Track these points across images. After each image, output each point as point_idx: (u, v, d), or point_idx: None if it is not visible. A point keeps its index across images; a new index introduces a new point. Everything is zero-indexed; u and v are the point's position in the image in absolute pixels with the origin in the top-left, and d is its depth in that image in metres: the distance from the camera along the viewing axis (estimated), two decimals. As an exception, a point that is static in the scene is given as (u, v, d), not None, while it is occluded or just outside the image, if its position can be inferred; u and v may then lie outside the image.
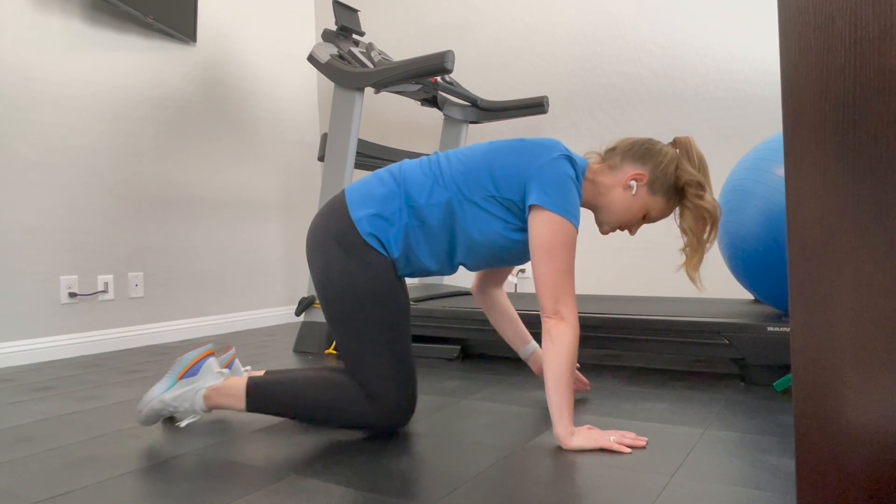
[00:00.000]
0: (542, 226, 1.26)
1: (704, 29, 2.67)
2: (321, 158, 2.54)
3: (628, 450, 1.21)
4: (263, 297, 3.39)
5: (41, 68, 2.49)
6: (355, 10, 2.67)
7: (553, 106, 3.01)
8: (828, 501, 0.68)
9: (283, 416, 1.37)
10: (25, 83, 2.44)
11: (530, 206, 1.28)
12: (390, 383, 1.31)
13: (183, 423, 1.38)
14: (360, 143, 2.58)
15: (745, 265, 1.76)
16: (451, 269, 1.47)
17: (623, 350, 2.02)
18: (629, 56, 2.84)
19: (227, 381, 1.37)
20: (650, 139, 1.37)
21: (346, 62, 2.42)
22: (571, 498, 1.00)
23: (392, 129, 3.52)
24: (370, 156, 2.64)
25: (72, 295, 2.55)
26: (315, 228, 1.42)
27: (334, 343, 2.40)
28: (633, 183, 1.34)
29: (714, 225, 1.32)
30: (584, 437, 1.23)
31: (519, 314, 2.08)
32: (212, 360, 1.39)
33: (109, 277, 2.69)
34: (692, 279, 1.34)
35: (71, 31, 2.59)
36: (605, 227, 1.42)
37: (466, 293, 2.70)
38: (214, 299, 3.13)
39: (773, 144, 1.74)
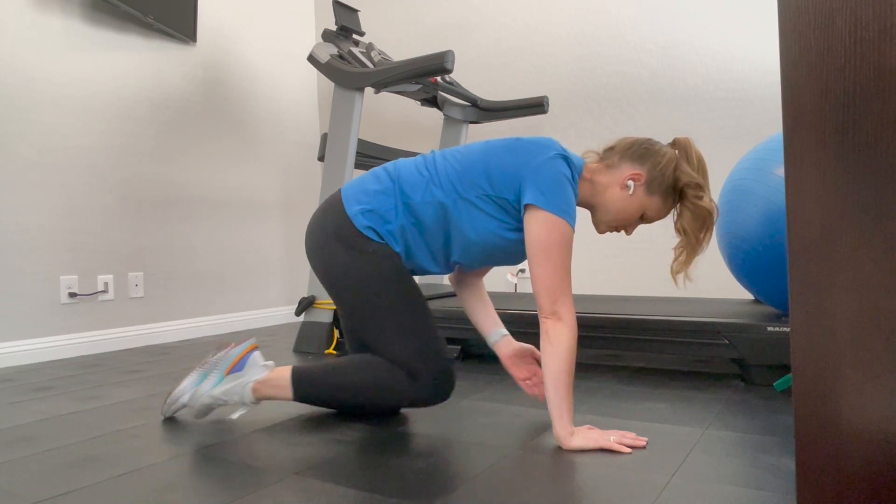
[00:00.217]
0: (537, 225, 1.25)
1: (704, 29, 2.67)
2: (321, 158, 2.54)
3: (628, 450, 1.21)
4: (263, 297, 3.39)
5: (41, 68, 2.49)
6: (355, 10, 2.67)
7: (553, 106, 3.01)
8: (828, 501, 0.68)
9: (330, 402, 1.40)
10: (25, 83, 2.44)
11: (526, 206, 1.28)
12: (424, 359, 1.34)
13: (235, 416, 1.42)
14: (360, 143, 2.58)
15: (745, 265, 1.76)
16: (448, 269, 1.47)
17: (623, 350, 2.02)
18: (629, 56, 2.84)
19: (272, 373, 1.41)
20: (649, 139, 1.37)
21: (346, 62, 2.42)
22: (571, 498, 1.00)
23: (392, 129, 3.52)
24: (370, 156, 2.64)
25: (72, 295, 2.55)
26: (313, 227, 1.42)
27: (335, 343, 2.40)
28: (631, 183, 1.33)
29: (710, 227, 1.31)
30: (583, 437, 1.23)
31: (518, 314, 2.08)
32: (256, 353, 1.43)
33: (109, 277, 2.69)
34: (675, 277, 1.32)
35: (71, 31, 2.59)
36: (602, 226, 1.41)
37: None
38: (214, 299, 3.13)
39: (773, 144, 1.74)
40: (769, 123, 2.55)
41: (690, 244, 1.32)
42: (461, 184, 1.33)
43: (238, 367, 1.41)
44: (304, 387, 1.39)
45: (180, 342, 2.86)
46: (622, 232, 1.43)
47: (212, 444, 1.33)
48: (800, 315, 0.68)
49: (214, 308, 3.13)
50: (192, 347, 2.70)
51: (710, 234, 1.33)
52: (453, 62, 2.16)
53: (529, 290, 3.07)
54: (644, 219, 1.38)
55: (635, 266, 2.84)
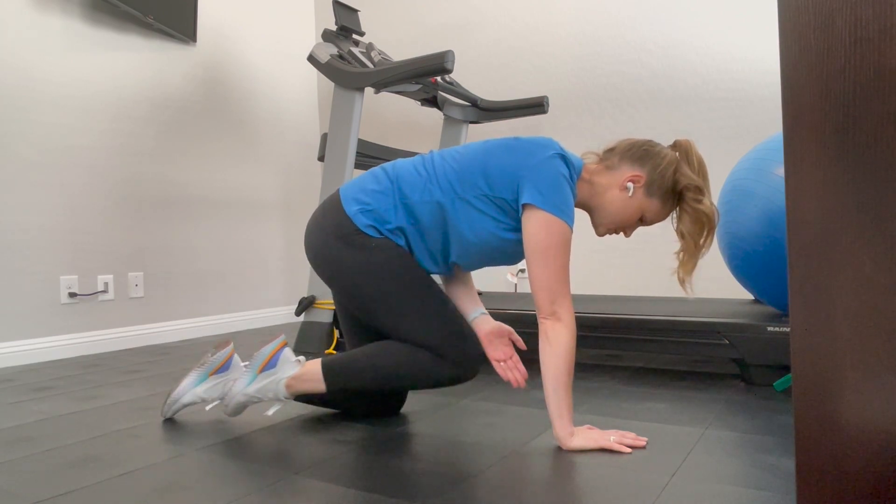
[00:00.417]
0: (536, 226, 1.25)
1: (704, 29, 2.67)
2: (321, 158, 2.54)
3: (628, 450, 1.21)
4: (263, 297, 3.39)
5: (41, 68, 2.49)
6: (355, 10, 2.67)
7: (553, 106, 3.01)
8: (828, 501, 0.68)
9: (362, 388, 1.40)
10: (25, 83, 2.44)
11: (524, 206, 1.27)
12: (450, 339, 1.34)
13: (270, 412, 1.43)
14: (360, 143, 2.58)
15: (745, 265, 1.76)
16: (447, 270, 1.47)
17: (623, 350, 2.02)
18: (629, 56, 2.84)
19: (304, 368, 1.41)
20: (650, 141, 1.36)
21: (346, 62, 2.42)
22: (571, 498, 1.00)
23: (392, 129, 3.52)
24: (370, 156, 2.64)
25: (72, 295, 2.55)
26: (312, 229, 1.42)
27: (335, 342, 2.40)
28: (630, 184, 1.32)
29: (711, 231, 1.30)
30: (584, 437, 1.23)
31: (518, 315, 2.08)
32: (287, 350, 1.44)
33: (109, 277, 2.69)
34: (683, 284, 1.32)
35: (71, 31, 2.59)
36: (601, 228, 1.40)
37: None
38: (214, 299, 3.13)
39: (773, 144, 1.74)
40: (769, 123, 2.55)
41: (690, 248, 1.31)
42: (459, 184, 1.33)
43: (270, 364, 1.42)
44: (335, 377, 1.39)
45: (180, 342, 2.86)
46: (621, 233, 1.42)
47: (212, 444, 1.33)
48: (800, 315, 0.68)
49: (214, 308, 3.13)
50: (192, 347, 2.70)
51: (712, 238, 1.31)
52: (453, 62, 2.16)
53: (529, 290, 3.07)
54: (643, 221, 1.37)
55: (635, 266, 2.84)
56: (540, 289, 1.25)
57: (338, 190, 1.44)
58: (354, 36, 2.65)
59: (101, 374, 2.16)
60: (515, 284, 3.05)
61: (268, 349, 1.42)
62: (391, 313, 1.35)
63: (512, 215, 1.32)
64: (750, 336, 1.74)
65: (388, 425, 1.44)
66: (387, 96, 3.50)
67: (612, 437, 1.23)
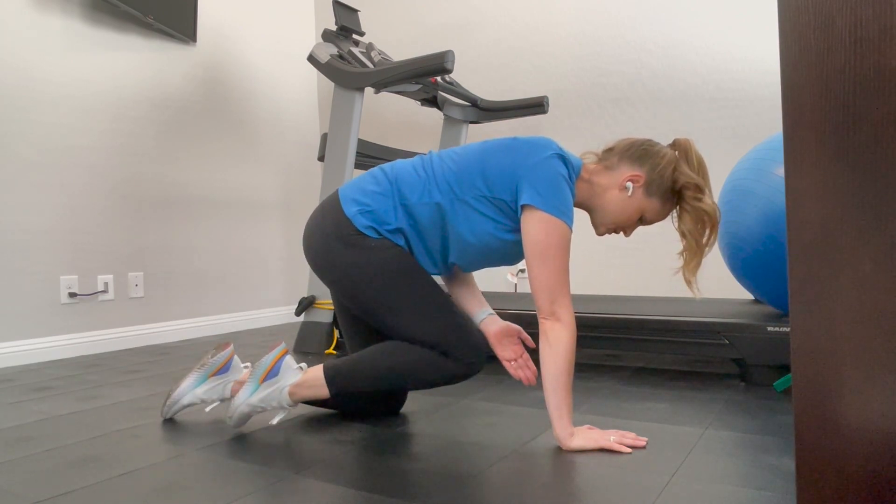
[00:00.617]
0: (535, 226, 1.25)
1: (704, 29, 2.67)
2: (321, 158, 2.54)
3: (628, 450, 1.21)
4: (263, 297, 3.39)
5: (41, 68, 2.49)
6: (355, 10, 2.67)
7: (553, 106, 3.01)
8: (828, 501, 0.68)
9: (366, 390, 1.40)
10: (25, 83, 2.44)
11: (523, 206, 1.27)
12: (454, 334, 1.34)
13: (274, 421, 1.42)
14: (360, 143, 2.58)
15: (745, 265, 1.76)
16: (446, 271, 1.47)
17: (623, 350, 2.02)
18: (629, 56, 2.84)
19: (306, 374, 1.41)
20: (649, 140, 1.35)
21: (346, 62, 2.42)
22: (571, 498, 1.00)
23: (392, 129, 3.52)
24: (370, 156, 2.64)
25: (72, 295, 2.55)
26: (312, 230, 1.42)
27: (335, 343, 2.40)
28: (630, 184, 1.31)
29: (714, 228, 1.30)
30: (583, 437, 1.23)
31: (518, 315, 2.08)
32: (289, 358, 1.43)
33: (109, 277, 2.69)
34: (689, 284, 1.32)
35: (71, 31, 2.59)
36: (601, 228, 1.40)
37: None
38: (214, 299, 3.13)
39: (773, 144, 1.74)
40: (769, 123, 2.55)
41: (692, 247, 1.30)
42: (458, 185, 1.33)
43: (272, 373, 1.41)
44: (338, 381, 1.39)
45: (180, 342, 2.86)
46: (621, 233, 1.42)
47: (211, 445, 1.33)
48: (800, 315, 0.68)
49: (214, 308, 3.13)
50: (192, 347, 2.70)
51: (714, 236, 1.30)
52: (453, 62, 2.16)
53: (529, 289, 3.07)
54: (643, 220, 1.37)
55: (635, 266, 2.84)
56: (540, 289, 1.25)
57: (337, 190, 1.43)
58: (354, 36, 2.65)
59: (101, 374, 2.16)
60: (515, 284, 3.05)
61: (269, 358, 1.41)
62: (392, 312, 1.35)
63: (511, 216, 1.32)
64: (750, 336, 1.74)
65: (388, 425, 1.44)
66: (387, 96, 3.50)
67: (612, 437, 1.23)
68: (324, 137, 2.52)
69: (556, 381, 1.23)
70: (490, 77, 3.20)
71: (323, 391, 1.39)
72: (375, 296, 1.35)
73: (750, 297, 2.49)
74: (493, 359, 2.20)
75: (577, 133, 2.96)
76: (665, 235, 2.74)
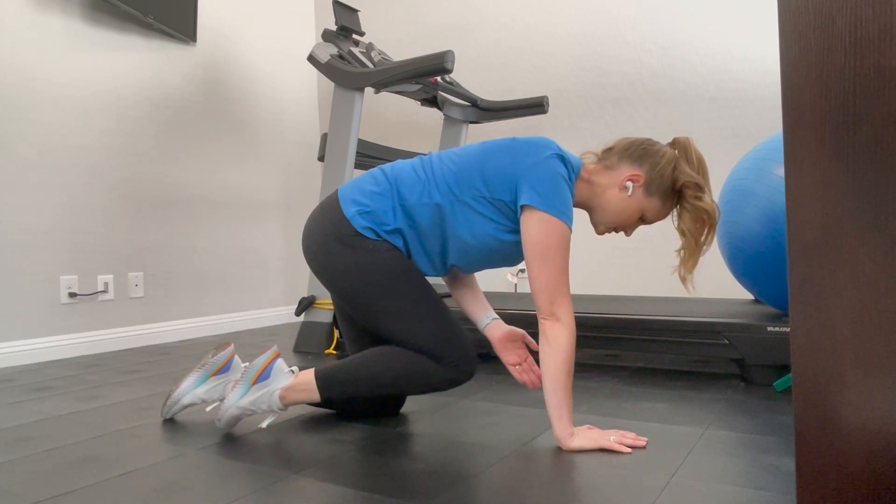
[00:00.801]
0: (534, 226, 1.25)
1: (704, 29, 2.67)
2: (321, 158, 2.54)
3: (628, 450, 1.21)
4: (263, 297, 3.39)
5: (41, 68, 2.49)
6: (355, 10, 2.67)
7: (553, 106, 3.01)
8: (828, 501, 0.68)
9: (358, 396, 1.40)
10: (25, 83, 2.44)
11: (522, 207, 1.27)
12: (446, 340, 1.34)
13: (264, 424, 1.41)
14: (360, 143, 2.58)
15: (745, 265, 1.76)
16: (445, 272, 1.47)
17: (623, 350, 2.02)
18: (629, 56, 2.84)
19: (297, 378, 1.41)
20: (648, 139, 1.35)
21: (346, 62, 2.42)
22: (571, 498, 1.00)
23: (392, 129, 3.52)
24: (370, 156, 2.64)
25: (72, 295, 2.55)
26: (311, 230, 1.42)
27: (334, 343, 2.40)
28: (629, 184, 1.31)
29: (712, 227, 1.30)
30: (583, 437, 1.23)
31: (518, 315, 2.08)
32: (280, 361, 1.43)
33: (109, 277, 2.69)
34: (684, 281, 1.32)
35: (71, 31, 2.59)
36: (601, 227, 1.40)
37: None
38: (214, 299, 3.13)
39: (773, 144, 1.74)
40: (769, 123, 2.55)
41: (691, 245, 1.30)
42: (457, 186, 1.33)
43: (263, 376, 1.41)
44: (329, 386, 1.39)
45: (180, 342, 2.86)
46: (622, 233, 1.41)
47: (211, 445, 1.33)
48: (800, 315, 0.68)
49: (214, 308, 3.13)
50: (192, 347, 2.70)
51: (713, 235, 1.30)
52: (453, 62, 2.16)
53: (529, 290, 3.07)
54: (644, 220, 1.36)
55: (635, 266, 2.84)
56: (539, 289, 1.25)
57: (336, 190, 1.43)
58: (354, 36, 2.65)
59: (101, 374, 2.16)
60: (515, 284, 3.05)
61: (260, 361, 1.41)
62: (386, 315, 1.35)
63: (510, 217, 1.32)
64: (750, 336, 1.74)
65: (388, 425, 1.44)
66: (387, 96, 3.50)
67: (612, 437, 1.23)
68: (324, 137, 2.52)
69: (556, 381, 1.23)
70: (490, 77, 3.20)
71: (314, 395, 1.39)
72: (370, 298, 1.35)
73: (750, 297, 2.49)
74: (494, 359, 2.20)
75: (577, 133, 2.96)
76: (665, 235, 2.74)
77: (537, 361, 1.87)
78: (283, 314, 3.50)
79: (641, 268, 2.82)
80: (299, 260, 3.62)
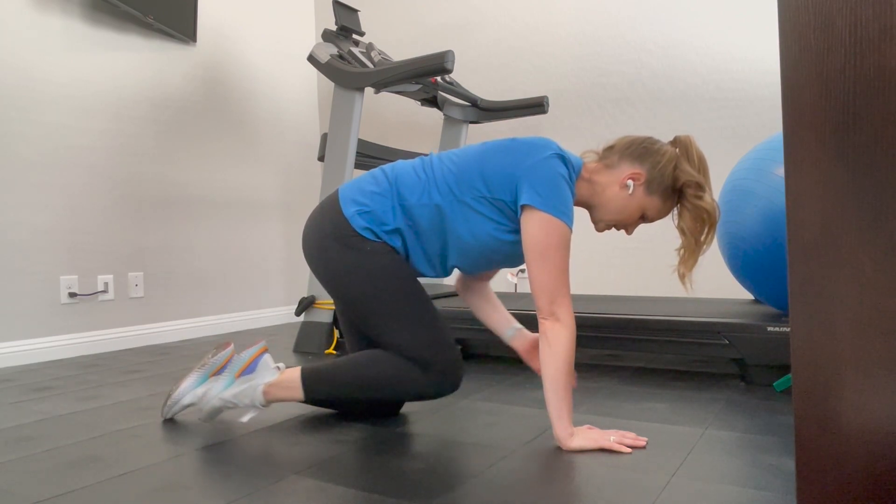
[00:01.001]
0: (535, 226, 1.25)
1: (704, 29, 2.67)
2: (321, 158, 2.54)
3: (628, 450, 1.21)
4: (263, 297, 3.39)
5: (41, 68, 2.49)
6: (355, 10, 2.67)
7: (553, 106, 3.01)
8: (828, 501, 0.68)
9: (341, 399, 1.40)
10: (25, 83, 2.44)
11: (523, 207, 1.27)
12: (434, 348, 1.35)
13: (245, 419, 1.41)
14: (360, 143, 2.57)
15: (745, 265, 1.76)
16: (445, 273, 1.47)
17: (623, 350, 2.02)
18: (629, 56, 2.84)
19: (282, 374, 1.40)
20: (649, 138, 1.35)
21: (346, 62, 2.42)
22: (571, 498, 1.00)
23: (392, 129, 3.52)
24: (370, 156, 2.64)
25: (72, 295, 2.55)
26: (310, 230, 1.42)
27: (335, 343, 2.40)
28: (630, 182, 1.31)
29: (712, 226, 1.30)
30: (583, 437, 1.23)
31: (519, 315, 2.07)
32: (267, 356, 1.43)
33: (109, 277, 2.69)
34: (683, 280, 1.32)
35: (71, 31, 2.59)
36: (601, 224, 1.39)
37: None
38: (214, 299, 3.13)
39: (773, 144, 1.74)
40: (769, 123, 2.55)
41: (690, 245, 1.30)
42: (458, 186, 1.33)
43: (249, 369, 1.41)
44: (314, 386, 1.39)
45: (180, 342, 2.86)
46: (622, 231, 1.42)
47: (212, 444, 1.33)
48: (800, 315, 0.68)
49: (214, 308, 3.13)
50: (192, 347, 2.70)
51: (713, 235, 1.30)
52: (453, 62, 2.16)
53: (529, 290, 3.07)
54: (644, 218, 1.36)
55: (635, 266, 2.84)
56: (539, 289, 1.25)
57: (337, 190, 1.44)
58: (354, 36, 2.65)
59: (101, 374, 2.16)
60: (515, 284, 3.05)
61: (247, 354, 1.41)
62: (378, 318, 1.36)
63: (511, 217, 1.32)
64: (750, 336, 1.74)
65: (388, 425, 1.44)
66: (387, 96, 3.50)
67: (612, 437, 1.23)
68: (324, 137, 2.51)
69: (556, 381, 1.23)
70: (490, 77, 3.20)
71: (297, 394, 1.39)
72: (364, 300, 1.35)
73: (750, 297, 2.49)
74: (493, 358, 2.20)
75: (577, 133, 2.96)
76: (665, 236, 2.74)
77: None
78: (283, 314, 3.50)
79: (641, 268, 2.82)
80: (299, 260, 3.62)
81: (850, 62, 0.65)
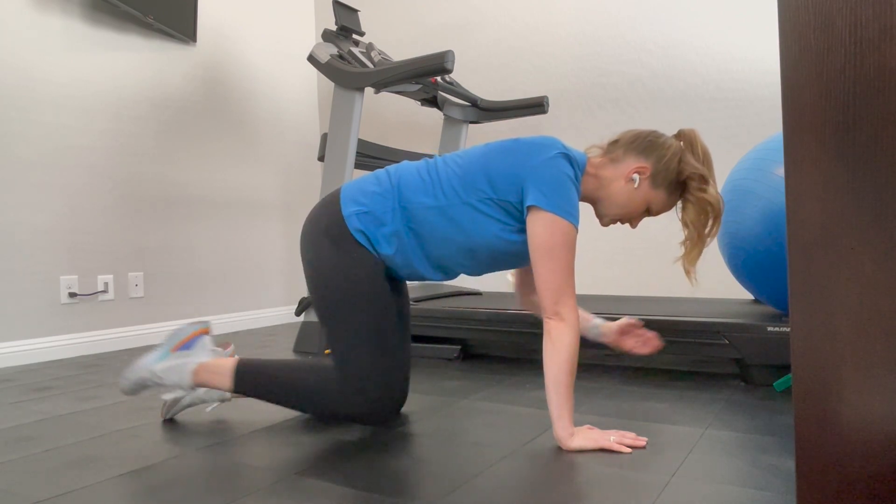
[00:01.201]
0: (540, 226, 1.25)
1: (704, 29, 2.67)
2: (321, 158, 2.54)
3: (628, 450, 1.21)
4: (263, 297, 3.39)
5: (41, 68, 2.49)
6: (355, 10, 2.67)
7: (553, 106, 3.01)
8: (828, 501, 0.68)
9: (266, 398, 1.38)
10: (25, 83, 2.44)
11: (528, 207, 1.27)
12: (374, 375, 1.33)
13: (167, 397, 1.37)
14: (360, 143, 2.57)
15: (745, 265, 1.76)
16: (449, 275, 1.46)
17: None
18: (629, 56, 2.84)
19: (217, 360, 1.38)
20: (654, 131, 1.35)
21: (346, 62, 2.42)
22: (571, 498, 1.00)
23: (392, 129, 3.52)
24: (370, 156, 2.64)
25: (72, 295, 2.55)
26: (309, 222, 1.43)
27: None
28: (636, 176, 1.31)
29: (717, 218, 1.30)
30: (583, 437, 1.23)
31: (518, 315, 2.08)
32: (207, 338, 1.40)
33: (109, 277, 2.69)
34: (688, 273, 1.32)
35: (71, 31, 2.59)
36: (606, 219, 1.40)
37: (467, 293, 2.70)
38: (214, 299, 3.13)
39: (773, 144, 1.74)
40: (769, 123, 2.55)
41: (694, 238, 1.31)
42: (463, 188, 1.32)
43: (187, 345, 1.37)
44: (244, 380, 1.36)
45: (180, 342, 2.86)
46: (622, 231, 1.42)
47: (211, 444, 1.33)
48: (800, 315, 0.68)
49: (214, 308, 3.13)
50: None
51: (717, 227, 1.31)
52: (453, 62, 2.16)
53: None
54: (649, 212, 1.37)
55: (636, 266, 2.84)
56: (545, 289, 1.25)
57: (340, 187, 1.43)
58: (354, 36, 2.65)
59: (101, 374, 2.16)
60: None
61: (188, 330, 1.37)
62: (339, 323, 1.34)
63: (517, 217, 1.32)
64: (750, 336, 1.74)
65: (388, 425, 1.44)
66: (387, 96, 3.50)
67: (612, 437, 1.23)
68: (324, 137, 2.52)
69: (557, 381, 1.23)
70: (490, 77, 3.20)
71: (225, 382, 1.37)
72: (329, 303, 1.35)
73: (750, 297, 2.49)
74: (493, 358, 2.20)
75: (577, 133, 2.96)
76: (665, 236, 2.74)
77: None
78: (283, 314, 3.50)
79: (642, 268, 2.82)
80: (299, 260, 3.62)
81: (850, 62, 0.65)
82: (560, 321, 1.24)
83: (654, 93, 2.78)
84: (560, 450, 1.23)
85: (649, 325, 1.88)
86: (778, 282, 1.70)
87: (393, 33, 3.50)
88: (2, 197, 2.36)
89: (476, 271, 1.44)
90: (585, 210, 2.45)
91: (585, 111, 2.95)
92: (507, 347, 2.36)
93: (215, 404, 1.39)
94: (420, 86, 2.57)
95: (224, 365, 1.37)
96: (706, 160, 1.32)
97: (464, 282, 3.29)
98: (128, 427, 1.49)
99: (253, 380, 1.37)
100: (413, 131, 3.46)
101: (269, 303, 3.42)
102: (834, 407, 0.67)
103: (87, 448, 1.33)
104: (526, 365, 2.10)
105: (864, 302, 0.65)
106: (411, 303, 2.39)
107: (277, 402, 1.39)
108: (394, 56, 3.49)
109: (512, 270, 2.90)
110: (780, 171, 1.64)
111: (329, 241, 1.36)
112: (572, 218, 1.25)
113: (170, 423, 1.51)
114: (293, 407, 1.39)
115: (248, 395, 1.41)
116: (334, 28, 2.81)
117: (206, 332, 1.40)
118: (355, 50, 2.48)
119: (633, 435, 1.26)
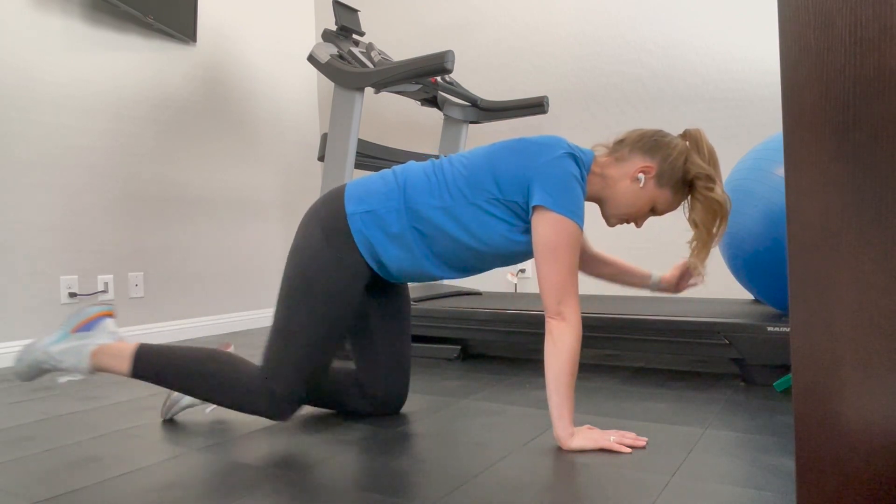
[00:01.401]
0: (545, 226, 1.25)
1: (704, 29, 2.67)
2: (321, 158, 2.54)
3: (628, 450, 1.21)
4: (263, 297, 3.39)
5: (41, 68, 2.49)
6: (355, 10, 2.67)
7: (553, 106, 3.01)
8: (828, 502, 0.68)
9: (168, 385, 1.34)
10: (25, 83, 2.44)
11: (534, 207, 1.27)
12: (290, 373, 1.31)
13: (63, 380, 1.34)
14: (360, 143, 2.57)
15: (745, 265, 1.76)
16: (457, 274, 1.46)
17: (623, 350, 2.02)
18: (629, 56, 2.84)
19: (118, 343, 1.34)
20: (660, 131, 1.35)
21: (346, 62, 2.42)
22: (571, 498, 1.00)
23: (392, 129, 3.52)
24: (370, 156, 2.64)
25: (72, 295, 2.55)
26: (310, 210, 1.42)
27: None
28: (641, 175, 1.31)
29: (724, 218, 1.30)
30: (583, 437, 1.23)
31: (518, 315, 2.08)
32: (110, 321, 1.35)
33: (109, 277, 2.69)
34: (695, 273, 1.35)
35: (71, 31, 2.59)
36: (612, 220, 1.40)
37: (467, 293, 2.70)
38: (214, 299, 3.13)
39: (773, 144, 1.74)
40: (769, 123, 2.55)
41: (702, 237, 1.31)
42: (469, 189, 1.32)
43: (87, 327, 1.33)
44: (144, 364, 1.32)
45: (180, 342, 2.86)
46: (624, 230, 1.42)
47: (212, 444, 1.33)
48: (800, 315, 0.68)
49: (214, 308, 3.13)
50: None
51: (725, 226, 1.31)
52: (453, 62, 2.16)
53: (529, 290, 3.07)
54: (655, 211, 1.37)
55: (637, 265, 2.83)
56: (547, 288, 1.25)
57: (345, 184, 1.43)
58: (354, 36, 2.65)
59: (101, 374, 2.15)
60: (515, 284, 3.05)
61: (89, 311, 1.33)
62: (291, 311, 1.33)
63: (523, 217, 1.31)
64: (750, 336, 1.74)
65: (388, 425, 1.44)
66: (387, 96, 3.50)
67: (612, 437, 1.23)
68: (324, 137, 2.52)
69: (558, 380, 1.23)
70: (490, 77, 3.20)
71: (125, 366, 1.33)
72: (292, 288, 1.33)
73: (750, 297, 2.49)
74: (493, 358, 2.20)
75: (577, 133, 2.96)
76: (666, 236, 2.74)
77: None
78: (283, 314, 3.49)
79: (643, 267, 2.82)
80: (299, 260, 3.62)
81: (850, 62, 0.65)
82: (562, 321, 1.24)
83: (654, 93, 2.78)
84: (560, 450, 1.24)
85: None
86: (778, 282, 1.69)
87: (393, 33, 3.50)
88: (2, 197, 2.36)
89: (482, 269, 1.44)
90: (588, 210, 2.44)
91: (585, 111, 2.95)
92: (507, 347, 2.36)
93: (71, 377, 1.34)
94: (420, 86, 2.57)
95: (124, 348, 1.32)
96: (712, 160, 1.32)
97: (464, 281, 3.29)
98: (128, 427, 1.49)
99: (154, 365, 1.32)
100: (413, 131, 3.46)
101: (269, 303, 3.42)
102: (834, 407, 0.67)
103: (87, 448, 1.33)
104: (526, 365, 2.10)
105: (864, 302, 0.65)
106: (411, 303, 2.39)
107: (180, 390, 1.34)
108: (394, 56, 3.49)
109: (513, 270, 2.89)
110: (780, 171, 1.64)
111: (322, 232, 1.35)
112: (577, 218, 1.25)
113: (170, 423, 1.51)
114: (196, 395, 1.35)
115: (149, 381, 1.35)
116: (334, 28, 2.81)
117: (109, 314, 1.35)
118: (355, 50, 2.48)
119: (633, 435, 1.26)
